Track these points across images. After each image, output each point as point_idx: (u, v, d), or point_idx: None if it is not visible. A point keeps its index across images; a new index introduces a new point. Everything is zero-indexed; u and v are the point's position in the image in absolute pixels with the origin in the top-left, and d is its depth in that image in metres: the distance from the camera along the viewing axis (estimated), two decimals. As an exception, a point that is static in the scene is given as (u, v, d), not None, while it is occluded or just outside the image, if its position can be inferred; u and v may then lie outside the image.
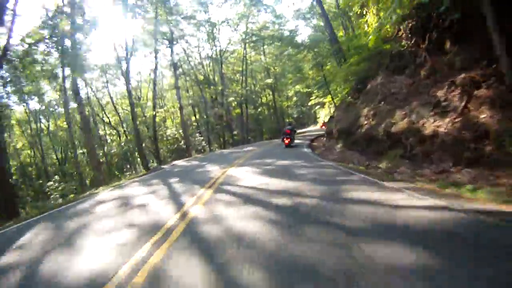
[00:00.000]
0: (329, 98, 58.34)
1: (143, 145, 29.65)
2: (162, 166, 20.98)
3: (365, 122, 12.11)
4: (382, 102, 11.19)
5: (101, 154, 32.70)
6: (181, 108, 34.82)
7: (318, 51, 34.55)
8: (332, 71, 30.09)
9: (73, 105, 27.28)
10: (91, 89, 40.17)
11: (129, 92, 27.10)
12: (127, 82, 27.03)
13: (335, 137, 16.41)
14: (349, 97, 17.26)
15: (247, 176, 9.39)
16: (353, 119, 13.65)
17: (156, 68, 33.70)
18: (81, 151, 34.51)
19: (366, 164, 9.07)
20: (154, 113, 32.77)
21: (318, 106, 70.21)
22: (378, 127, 10.33)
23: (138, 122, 28.38)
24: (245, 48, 45.09)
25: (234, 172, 10.88)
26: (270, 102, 54.13)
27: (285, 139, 16.45)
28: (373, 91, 12.86)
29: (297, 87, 74.47)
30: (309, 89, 69.98)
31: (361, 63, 16.91)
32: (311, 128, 64.05)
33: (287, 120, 71.89)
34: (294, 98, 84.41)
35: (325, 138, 21.36)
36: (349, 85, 18.97)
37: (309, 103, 72.90)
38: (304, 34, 69.10)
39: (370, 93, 13.28)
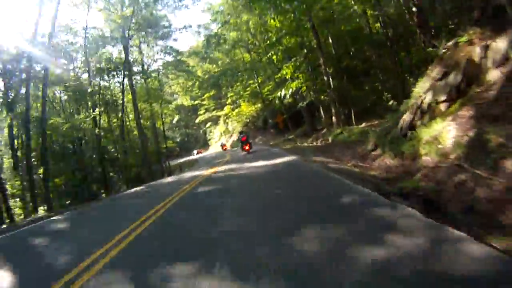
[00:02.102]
0: (227, 108, 43.70)
1: None
2: None
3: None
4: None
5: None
6: None
7: None
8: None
9: None
10: None
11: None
12: None
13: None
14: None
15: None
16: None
17: None
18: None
19: None
20: None
21: (209, 124, 54.66)
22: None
23: None
24: None
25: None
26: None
27: (244, 147, 15.69)
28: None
29: (180, 100, 56.63)
30: (196, 102, 53.68)
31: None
32: (204, 154, 46.55)
33: (165, 146, 52.34)
34: (176, 117, 65.76)
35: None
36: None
37: (197, 121, 56.56)
38: None
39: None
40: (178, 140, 73.25)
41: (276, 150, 12.57)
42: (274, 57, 15.45)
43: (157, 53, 31.41)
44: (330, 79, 13.18)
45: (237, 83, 34.11)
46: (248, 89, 32.94)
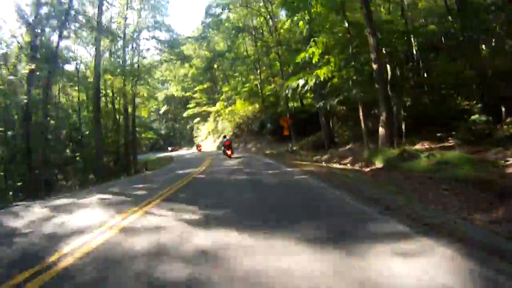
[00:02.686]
0: (220, 105, 38.08)
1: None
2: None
3: None
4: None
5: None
6: None
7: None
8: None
9: None
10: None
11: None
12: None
13: None
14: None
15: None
16: None
17: None
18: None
19: None
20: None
21: (197, 119, 48.68)
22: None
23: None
24: None
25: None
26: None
27: (227, 151, 16.45)
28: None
29: (174, 89, 50.82)
30: (187, 94, 48.01)
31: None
32: (183, 152, 40.84)
33: (146, 136, 46.42)
34: (163, 108, 60.10)
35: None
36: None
37: (185, 114, 50.58)
38: None
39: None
40: (162, 132, 67.33)
41: (298, 175, 6.72)
42: (301, 23, 10.51)
43: (147, 29, 26.14)
44: (388, 68, 8.37)
45: (235, 74, 29.14)
46: (247, 85, 28.02)
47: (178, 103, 59.95)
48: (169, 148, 47.74)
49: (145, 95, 25.22)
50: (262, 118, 25.30)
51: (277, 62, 22.08)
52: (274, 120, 22.84)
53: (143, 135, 39.43)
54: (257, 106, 29.28)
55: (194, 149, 40.25)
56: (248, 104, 29.73)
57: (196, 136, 48.34)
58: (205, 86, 39.94)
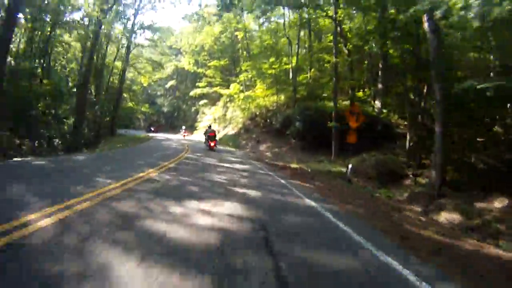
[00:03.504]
0: (235, 87, 30.61)
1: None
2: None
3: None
4: None
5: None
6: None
7: None
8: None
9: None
10: None
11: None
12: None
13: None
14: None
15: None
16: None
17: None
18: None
19: None
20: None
21: (203, 101, 40.89)
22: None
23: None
24: None
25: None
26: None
27: (210, 142, 15.88)
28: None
29: (186, 61, 43.24)
30: (200, 70, 40.73)
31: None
32: (169, 136, 33.13)
33: (137, 108, 39.71)
34: (171, 82, 53.11)
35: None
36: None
37: (191, 93, 42.89)
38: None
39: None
40: (165, 110, 60.34)
41: None
42: None
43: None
44: None
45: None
46: (276, 66, 20.83)
47: (188, 80, 52.86)
48: (152, 128, 43.08)
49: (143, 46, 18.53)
50: (289, 113, 18.11)
51: (329, 35, 14.93)
52: (307, 117, 15.66)
53: (130, 103, 32.49)
54: (282, 97, 22.13)
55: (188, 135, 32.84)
56: (272, 93, 22.60)
57: (199, 121, 41.26)
58: (222, 62, 32.83)
